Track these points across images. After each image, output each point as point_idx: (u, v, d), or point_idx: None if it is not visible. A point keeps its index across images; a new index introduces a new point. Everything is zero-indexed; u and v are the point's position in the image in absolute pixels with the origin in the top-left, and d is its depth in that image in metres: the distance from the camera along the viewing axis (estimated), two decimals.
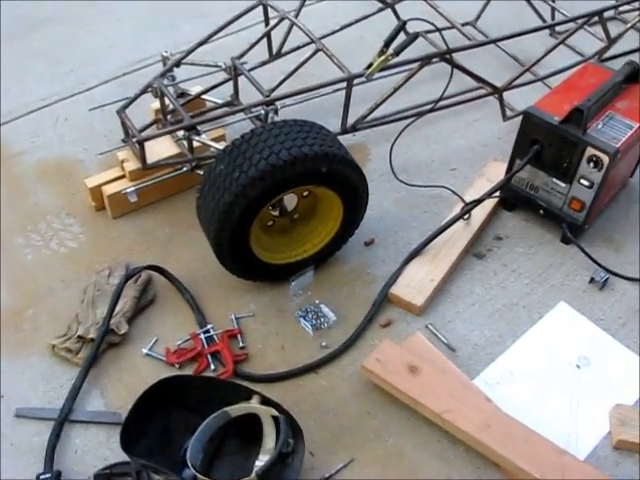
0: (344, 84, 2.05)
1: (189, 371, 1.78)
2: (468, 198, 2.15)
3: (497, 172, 2.24)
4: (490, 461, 1.62)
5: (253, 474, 1.45)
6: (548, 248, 2.10)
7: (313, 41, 2.09)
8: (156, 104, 2.30)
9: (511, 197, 2.16)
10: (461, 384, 1.72)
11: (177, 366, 1.78)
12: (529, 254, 2.09)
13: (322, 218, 1.93)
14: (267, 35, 2.26)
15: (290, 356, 1.83)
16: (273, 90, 2.12)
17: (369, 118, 2.18)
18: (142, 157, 2.03)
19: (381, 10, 2.57)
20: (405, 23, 2.02)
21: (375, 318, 1.90)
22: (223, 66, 2.25)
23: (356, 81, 2.06)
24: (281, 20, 2.21)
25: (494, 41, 2.35)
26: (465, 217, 2.08)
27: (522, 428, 1.62)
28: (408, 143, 2.34)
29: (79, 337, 1.81)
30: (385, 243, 2.09)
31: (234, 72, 2.23)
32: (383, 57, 1.97)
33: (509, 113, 2.45)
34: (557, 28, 2.80)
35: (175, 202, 2.20)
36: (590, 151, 1.91)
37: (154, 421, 1.60)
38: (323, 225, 1.94)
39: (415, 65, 2.11)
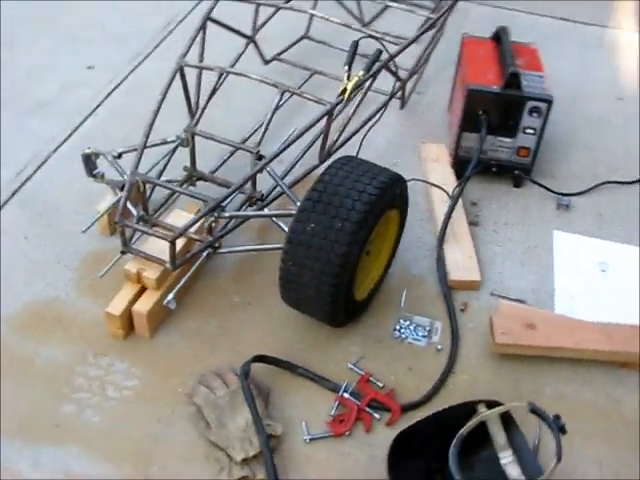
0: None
1: (357, 434, 1.74)
2: (436, 181, 2.39)
3: (436, 151, 2.52)
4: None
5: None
6: (511, 196, 2.45)
7: (276, 86, 2.09)
8: (104, 204, 2.10)
9: (463, 166, 2.45)
10: (564, 319, 1.99)
11: (348, 433, 1.73)
12: (504, 206, 2.41)
13: (383, 241, 2.00)
14: (213, 93, 2.17)
15: (421, 372, 1.89)
16: (259, 144, 2.07)
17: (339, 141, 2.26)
18: (173, 257, 1.85)
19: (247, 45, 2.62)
20: (357, 43, 2.13)
21: (452, 308, 2.05)
22: (178, 140, 2.12)
23: None
24: (221, 75, 2.14)
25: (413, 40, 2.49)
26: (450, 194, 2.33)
27: (626, 327, 1.96)
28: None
29: (242, 461, 1.63)
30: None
31: (192, 141, 2.12)
32: (356, 78, 2.06)
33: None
34: None
35: (195, 291, 2.04)
36: (531, 104, 2.28)
37: None
38: (385, 247, 2.01)
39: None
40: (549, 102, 2.27)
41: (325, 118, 2.02)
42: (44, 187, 2.37)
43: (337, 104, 2.08)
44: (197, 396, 1.77)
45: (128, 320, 1.89)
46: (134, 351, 1.89)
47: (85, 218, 2.22)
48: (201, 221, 1.93)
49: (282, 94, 2.09)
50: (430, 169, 2.46)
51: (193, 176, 2.20)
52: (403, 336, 1.96)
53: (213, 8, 2.35)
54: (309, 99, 2.08)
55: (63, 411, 1.76)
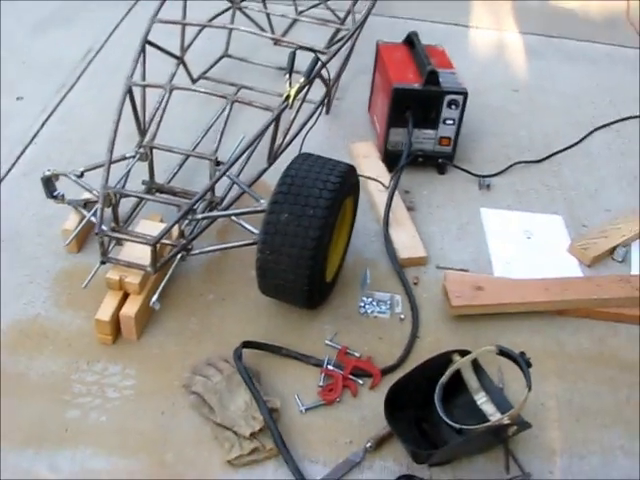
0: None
1: (346, 399, 1.93)
2: (370, 175, 2.63)
3: (365, 149, 2.77)
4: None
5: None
6: (438, 182, 2.72)
7: (226, 97, 2.26)
8: (70, 222, 2.21)
9: (392, 159, 2.70)
10: (505, 280, 2.27)
11: (338, 400, 1.92)
12: (433, 191, 2.67)
13: (342, 227, 2.20)
14: (164, 109, 2.30)
15: (390, 340, 2.10)
16: (216, 151, 2.23)
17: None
18: (154, 260, 1.98)
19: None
20: (294, 53, 2.33)
21: (406, 282, 2.28)
22: (137, 154, 2.24)
23: None
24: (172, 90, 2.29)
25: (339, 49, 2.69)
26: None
27: (558, 280, 2.26)
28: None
29: (250, 435, 1.78)
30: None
31: (150, 154, 2.25)
32: (298, 85, 2.26)
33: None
34: None
35: (171, 293, 2.15)
36: (449, 97, 2.57)
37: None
38: (343, 233, 2.21)
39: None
40: (465, 95, 2.57)
41: (273, 124, 2.21)
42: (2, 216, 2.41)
43: (283, 110, 2.27)
44: (195, 385, 1.89)
45: (116, 325, 1.99)
46: (125, 354, 1.99)
47: (47, 239, 2.33)
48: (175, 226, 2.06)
49: (232, 104, 2.26)
50: (363, 165, 2.70)
51: (152, 188, 2.33)
52: (369, 311, 2.17)
53: (149, 31, 2.50)
54: (257, 107, 2.27)
55: (69, 416, 1.83)
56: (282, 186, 1.94)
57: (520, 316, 2.20)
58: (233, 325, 2.10)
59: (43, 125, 2.85)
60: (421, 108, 2.59)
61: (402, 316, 2.17)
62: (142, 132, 2.38)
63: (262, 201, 2.09)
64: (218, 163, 2.23)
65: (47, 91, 3.04)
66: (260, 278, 1.99)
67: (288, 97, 2.26)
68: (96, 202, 2.13)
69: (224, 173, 2.12)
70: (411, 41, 2.80)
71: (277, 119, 2.23)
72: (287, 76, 2.29)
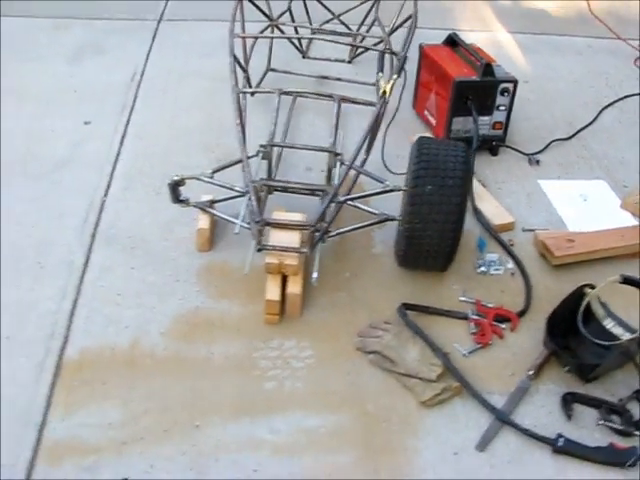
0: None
1: (495, 342, 2.20)
2: None
3: None
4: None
5: None
6: (493, 162, 3.05)
7: (331, 96, 2.51)
8: (203, 222, 2.39)
9: None
10: (586, 233, 2.61)
11: (490, 342, 2.19)
12: (493, 171, 2.99)
13: None
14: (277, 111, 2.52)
15: (510, 291, 2.40)
16: (334, 145, 2.46)
17: None
18: (311, 242, 2.20)
19: None
20: (383, 54, 2.61)
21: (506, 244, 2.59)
22: (260, 153, 2.44)
23: None
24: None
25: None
26: None
27: (627, 228, 2.63)
28: None
29: (438, 377, 2.02)
30: None
31: (271, 153, 2.46)
32: (392, 81, 2.54)
33: None
34: None
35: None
36: (502, 86, 2.92)
37: None
38: None
39: None
40: (515, 83, 2.93)
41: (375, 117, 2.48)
42: (118, 226, 2.54)
43: (383, 104, 2.55)
44: (370, 346, 2.12)
45: (283, 304, 2.19)
46: (293, 329, 2.19)
47: (174, 242, 2.50)
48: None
49: (339, 102, 2.52)
50: None
51: (271, 186, 2.53)
52: (485, 270, 2.46)
53: (233, 47, 2.73)
54: (361, 103, 2.54)
55: (267, 387, 2.02)
56: (420, 163, 2.21)
57: (603, 262, 2.54)
58: (376, 295, 2.34)
59: (122, 143, 2.99)
60: (479, 97, 2.93)
61: (512, 272, 2.48)
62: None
63: (387, 182, 2.35)
64: (336, 155, 2.46)
65: (110, 114, 3.17)
66: (407, 247, 2.25)
67: (384, 92, 2.54)
68: (219, 201, 2.36)
69: (351, 166, 2.34)
70: (453, 41, 3.14)
71: (379, 113, 2.50)
72: (380, 74, 2.58)
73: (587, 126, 3.35)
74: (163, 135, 3.06)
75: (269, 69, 3.48)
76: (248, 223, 2.27)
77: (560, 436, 1.91)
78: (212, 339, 2.15)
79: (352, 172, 2.37)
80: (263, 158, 2.47)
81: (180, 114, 3.21)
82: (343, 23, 3.77)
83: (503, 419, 1.95)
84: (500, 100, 2.95)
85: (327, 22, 3.80)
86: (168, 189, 2.40)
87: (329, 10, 3.75)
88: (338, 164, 2.44)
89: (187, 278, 2.36)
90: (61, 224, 2.54)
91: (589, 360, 2.10)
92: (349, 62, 3.73)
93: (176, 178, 2.38)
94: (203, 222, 2.43)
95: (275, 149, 2.52)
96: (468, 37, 3.35)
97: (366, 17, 3.75)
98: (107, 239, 2.49)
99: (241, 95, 2.54)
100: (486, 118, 2.99)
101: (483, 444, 1.90)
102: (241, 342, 2.14)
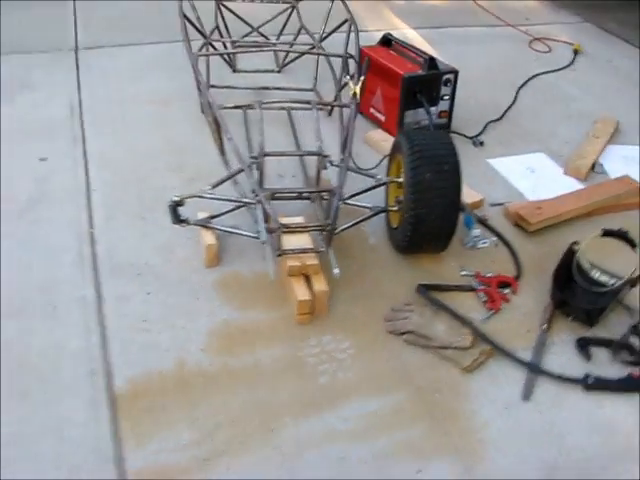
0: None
1: (503, 307, 2.42)
2: None
3: (380, 135, 3.26)
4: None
5: None
6: None
7: (309, 102, 2.63)
8: (209, 238, 2.45)
9: None
10: (549, 199, 2.90)
11: (500, 307, 2.41)
12: None
13: None
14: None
15: (499, 259, 2.63)
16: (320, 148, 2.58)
17: None
18: (329, 241, 2.32)
19: None
20: (347, 59, 2.76)
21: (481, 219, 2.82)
22: (253, 163, 2.51)
23: None
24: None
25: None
26: None
27: (581, 190, 2.96)
28: None
29: (471, 343, 2.21)
30: None
31: (263, 160, 2.54)
32: (360, 83, 2.71)
33: None
34: None
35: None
36: (445, 77, 3.17)
37: None
38: None
39: None
40: (456, 73, 3.19)
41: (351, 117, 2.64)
42: (118, 256, 2.52)
43: (358, 105, 2.70)
44: (402, 327, 2.27)
45: (312, 304, 2.29)
46: (325, 325, 2.29)
47: (178, 263, 2.52)
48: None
49: (317, 109, 2.65)
50: (386, 147, 3.18)
51: (278, 193, 2.58)
52: (473, 245, 2.68)
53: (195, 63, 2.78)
54: (336, 106, 2.69)
55: (321, 382, 2.11)
56: (415, 154, 2.38)
57: (567, 223, 2.84)
58: (387, 283, 2.48)
59: (87, 174, 2.94)
60: (426, 90, 3.16)
61: (496, 244, 2.71)
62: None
63: (379, 176, 2.51)
64: (325, 157, 2.57)
65: (63, 147, 3.11)
66: (412, 233, 2.41)
67: (355, 93, 2.71)
68: (217, 216, 2.44)
69: (347, 166, 2.47)
70: (388, 40, 3.35)
71: (355, 113, 2.66)
72: (348, 77, 2.74)
73: (511, 106, 3.69)
74: (126, 161, 3.04)
75: (210, 86, 3.52)
76: (256, 232, 2.35)
77: (587, 375, 2.14)
78: (252, 347, 2.21)
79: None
80: (257, 168, 2.54)
81: (135, 139, 3.20)
82: (263, 35, 3.90)
83: (537, 370, 2.17)
84: (444, 90, 3.20)
85: (247, 35, 3.91)
86: (168, 210, 2.41)
87: (248, 24, 3.86)
88: (328, 165, 2.56)
89: (206, 294, 2.39)
90: (57, 261, 2.48)
91: (590, 306, 2.36)
92: (278, 72, 3.85)
93: (176, 199, 2.40)
94: (209, 238, 2.47)
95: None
96: (377, 36, 3.57)
97: (284, 27, 3.90)
98: (111, 270, 2.46)
99: (222, 110, 2.60)
100: (433, 108, 3.22)
101: (527, 395, 2.11)
102: (281, 345, 2.22)
